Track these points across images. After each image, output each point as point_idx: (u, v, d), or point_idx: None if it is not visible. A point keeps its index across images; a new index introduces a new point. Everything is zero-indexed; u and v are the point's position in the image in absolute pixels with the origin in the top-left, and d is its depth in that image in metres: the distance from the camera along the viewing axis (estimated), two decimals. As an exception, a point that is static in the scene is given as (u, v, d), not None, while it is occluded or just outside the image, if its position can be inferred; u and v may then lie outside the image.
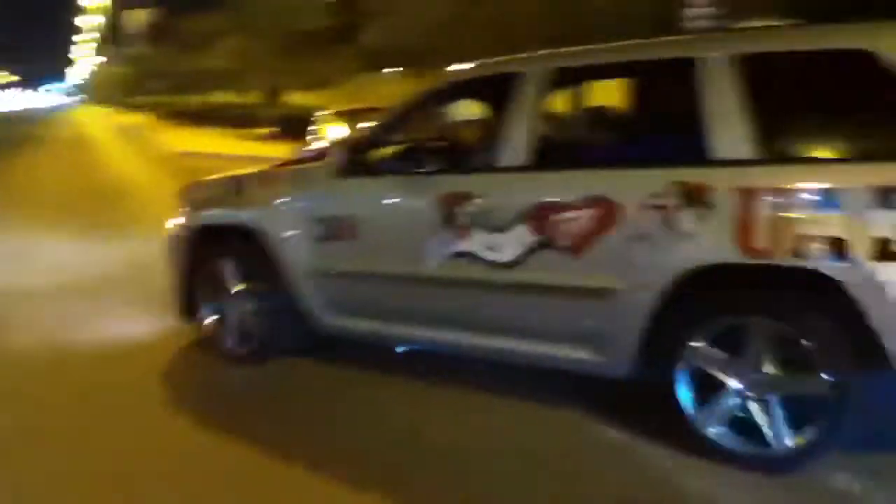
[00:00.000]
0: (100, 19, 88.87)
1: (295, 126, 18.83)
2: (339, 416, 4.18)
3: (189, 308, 5.15)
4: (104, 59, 73.54)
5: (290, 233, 4.61)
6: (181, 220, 5.19)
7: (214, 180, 5.37)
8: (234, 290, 4.93)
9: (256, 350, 4.91)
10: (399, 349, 4.80)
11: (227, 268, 4.92)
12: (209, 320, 5.05)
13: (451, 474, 3.50)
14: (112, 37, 67.96)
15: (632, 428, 3.78)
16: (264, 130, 23.99)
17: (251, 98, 31.67)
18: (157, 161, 19.76)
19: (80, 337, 5.46)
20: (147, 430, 4.08)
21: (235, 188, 4.97)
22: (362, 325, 4.55)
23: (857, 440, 3.39)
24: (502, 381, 4.44)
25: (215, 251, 4.99)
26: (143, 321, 5.74)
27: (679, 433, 3.55)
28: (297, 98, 34.00)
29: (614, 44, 4.00)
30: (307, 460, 3.65)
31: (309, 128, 15.00)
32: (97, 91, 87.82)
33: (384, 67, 24.58)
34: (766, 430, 3.36)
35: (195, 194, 5.30)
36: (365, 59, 23.66)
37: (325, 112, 14.75)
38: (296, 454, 3.70)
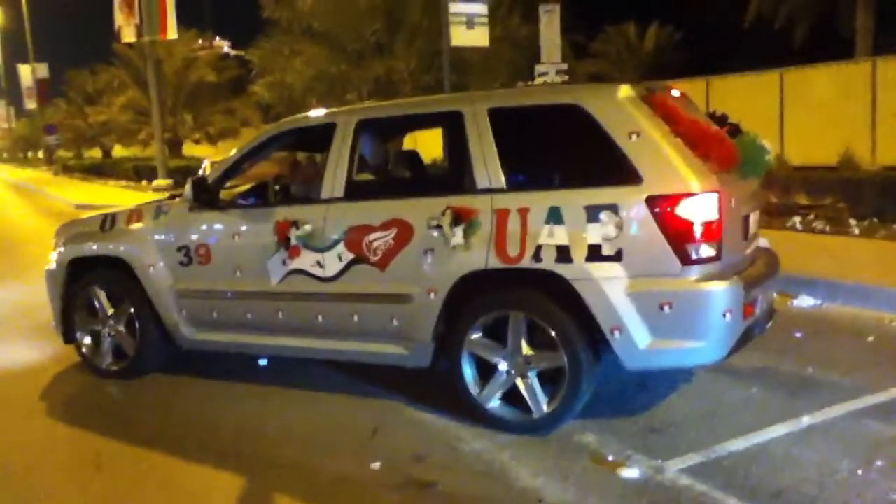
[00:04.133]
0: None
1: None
2: (205, 418, 4.90)
3: (69, 333, 5.81)
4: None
5: (153, 260, 5.38)
6: (57, 254, 5.86)
7: (87, 218, 6.08)
8: (107, 313, 5.62)
9: (129, 367, 5.60)
10: (261, 361, 5.60)
11: (100, 294, 5.63)
12: (86, 342, 5.73)
13: (299, 449, 4.32)
14: (1, 92, 66.35)
15: (434, 407, 4.66)
16: (164, 182, 24.33)
17: (151, 151, 31.94)
18: (52, 214, 19.78)
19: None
20: (31, 436, 4.79)
21: (106, 224, 5.68)
22: (219, 338, 5.32)
23: (599, 405, 4.38)
24: (337, 379, 5.31)
25: (88, 280, 5.68)
26: (33, 348, 6.46)
27: (468, 408, 4.44)
28: (199, 150, 34.38)
29: (405, 100, 4.97)
30: (179, 454, 4.33)
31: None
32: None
33: (277, 119, 25.39)
34: (529, 400, 4.27)
35: (70, 231, 5.98)
36: (262, 112, 24.44)
37: (211, 160, 15.45)
38: (169, 450, 4.37)
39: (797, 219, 10.41)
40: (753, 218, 4.63)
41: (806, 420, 4.26)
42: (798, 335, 5.93)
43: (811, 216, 10.57)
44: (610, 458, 3.94)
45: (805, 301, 6.84)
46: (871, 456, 3.80)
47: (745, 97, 16.30)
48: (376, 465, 3.99)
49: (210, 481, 3.98)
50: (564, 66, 13.02)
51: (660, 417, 4.45)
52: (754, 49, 21.93)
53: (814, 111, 15.48)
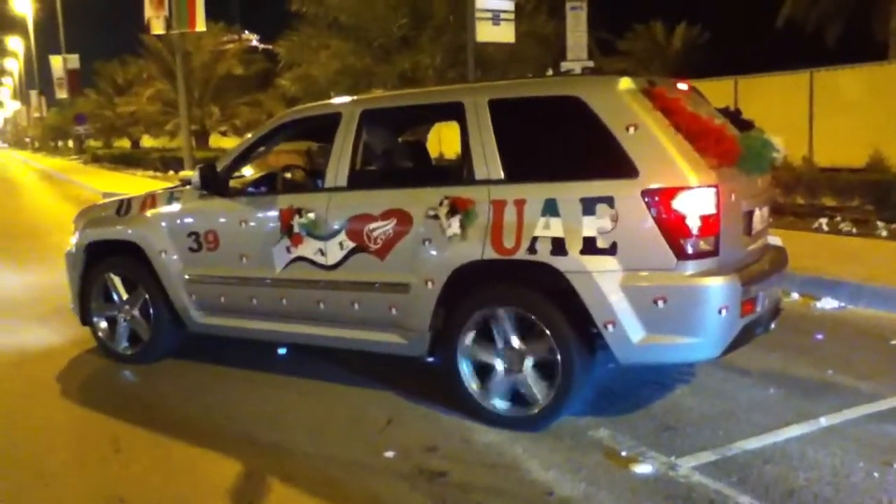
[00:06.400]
0: (14, 64, 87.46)
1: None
2: (223, 405, 4.93)
3: (87, 314, 5.88)
4: (20, 104, 72.98)
5: (165, 245, 5.44)
6: (77, 237, 5.93)
7: (105, 203, 6.14)
8: (122, 299, 5.69)
9: (144, 352, 5.66)
10: (280, 349, 5.64)
11: (115, 280, 5.70)
12: (102, 326, 5.81)
13: (314, 437, 4.36)
14: (34, 82, 67.45)
15: (449, 401, 4.58)
16: (190, 173, 24.53)
17: (179, 142, 32.26)
18: (80, 202, 20.05)
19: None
20: (50, 418, 4.87)
21: (122, 209, 5.74)
22: (226, 323, 5.37)
23: (613, 402, 4.36)
24: (353, 370, 5.32)
25: (104, 264, 5.74)
26: (53, 331, 6.57)
27: (466, 405, 4.42)
28: (225, 141, 34.62)
29: (410, 90, 4.93)
30: (196, 440, 4.38)
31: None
32: (17, 135, 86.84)
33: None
34: (527, 394, 4.25)
35: (89, 215, 6.06)
36: (287, 105, 24.53)
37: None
38: (186, 435, 4.42)
39: (823, 220, 10.28)
40: (759, 214, 4.50)
41: (823, 421, 4.21)
42: (819, 337, 5.86)
43: (838, 218, 10.44)
44: (623, 453, 3.91)
45: (828, 303, 6.75)
46: (888, 459, 3.74)
47: (773, 97, 16.11)
48: (389, 454, 4.01)
49: (226, 467, 4.00)
50: (591, 64, 12.95)
51: (675, 415, 4.41)
52: (784, 49, 21.64)
53: (843, 113, 15.26)
